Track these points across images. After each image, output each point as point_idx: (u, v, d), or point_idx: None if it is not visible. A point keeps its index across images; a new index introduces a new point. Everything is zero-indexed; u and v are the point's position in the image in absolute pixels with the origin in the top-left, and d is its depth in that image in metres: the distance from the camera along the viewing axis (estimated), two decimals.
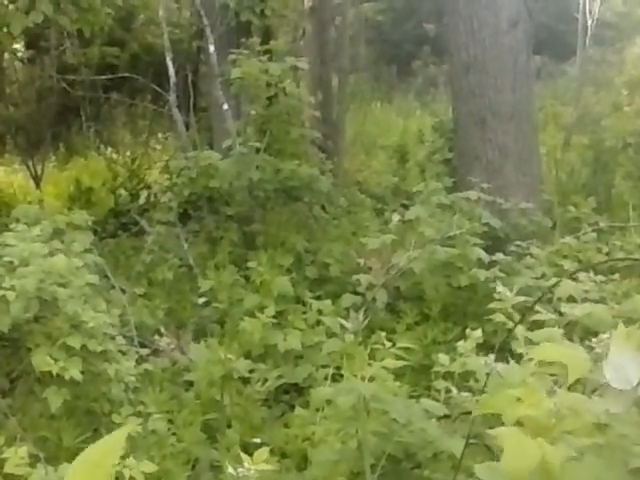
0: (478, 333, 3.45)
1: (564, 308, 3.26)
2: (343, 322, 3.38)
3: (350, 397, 2.89)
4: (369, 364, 3.07)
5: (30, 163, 10.45)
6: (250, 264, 6.27)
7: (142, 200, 9.76)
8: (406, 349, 4.60)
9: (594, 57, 16.64)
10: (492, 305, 3.50)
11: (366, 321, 3.39)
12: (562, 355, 1.48)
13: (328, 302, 5.72)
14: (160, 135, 12.85)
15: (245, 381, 4.74)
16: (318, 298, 5.96)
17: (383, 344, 3.31)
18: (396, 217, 6.44)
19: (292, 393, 5.30)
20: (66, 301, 3.74)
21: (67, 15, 7.55)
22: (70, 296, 3.78)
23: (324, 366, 4.87)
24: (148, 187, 10.02)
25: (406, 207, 7.08)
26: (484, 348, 3.66)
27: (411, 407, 3.05)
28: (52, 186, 10.77)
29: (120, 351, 4.22)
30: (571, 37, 14.98)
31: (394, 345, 3.35)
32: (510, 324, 2.79)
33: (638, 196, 7.84)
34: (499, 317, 3.33)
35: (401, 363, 3.25)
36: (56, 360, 3.64)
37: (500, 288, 3.45)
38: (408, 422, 3.02)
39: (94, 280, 4.31)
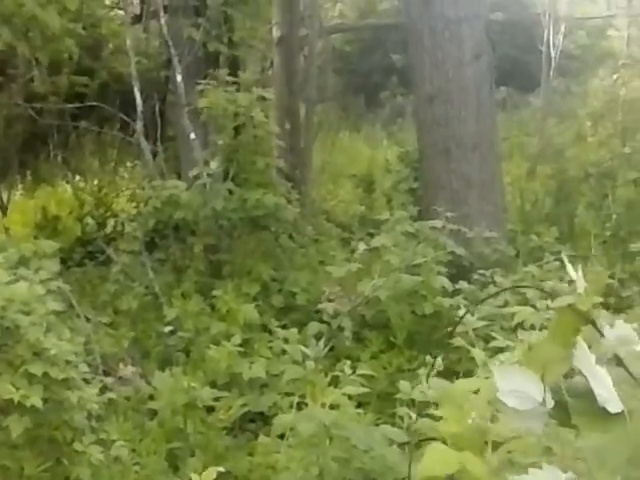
0: (439, 361, 3.50)
1: (521, 335, 3.32)
2: (304, 349, 3.41)
3: (311, 424, 2.91)
4: (330, 391, 3.10)
5: None
6: (216, 292, 6.29)
7: (109, 229, 9.76)
8: (371, 377, 4.61)
9: (559, 88, 16.91)
10: (451, 328, 3.54)
11: (327, 348, 3.42)
12: (477, 386, 1.53)
13: (294, 330, 5.73)
14: (128, 164, 12.83)
15: (210, 410, 4.74)
16: (284, 327, 5.97)
17: (343, 371, 3.34)
18: (362, 246, 6.49)
19: (258, 422, 5.30)
20: (28, 328, 3.73)
21: (31, 43, 7.60)
22: (32, 323, 3.78)
23: (289, 394, 4.88)
24: (115, 216, 10.01)
25: (373, 236, 7.13)
26: (448, 375, 3.70)
27: (372, 434, 3.08)
28: (19, 214, 10.70)
29: (84, 379, 4.21)
30: (536, 69, 15.22)
31: (354, 372, 3.38)
32: (471, 349, 2.84)
33: (600, 225, 7.96)
34: (459, 341, 3.38)
35: (361, 390, 3.29)
36: (17, 388, 3.63)
37: (461, 311, 3.50)
38: (369, 448, 3.04)
39: (58, 308, 4.31)
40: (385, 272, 6.05)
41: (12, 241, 6.02)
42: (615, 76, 13.73)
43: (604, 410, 1.49)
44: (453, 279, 6.10)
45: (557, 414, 1.52)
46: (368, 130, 16.58)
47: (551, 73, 14.37)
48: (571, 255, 6.89)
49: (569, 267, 1.50)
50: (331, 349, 6.06)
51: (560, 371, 1.53)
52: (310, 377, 3.32)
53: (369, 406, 4.95)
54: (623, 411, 1.48)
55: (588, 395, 1.51)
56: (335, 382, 3.76)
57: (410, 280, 5.86)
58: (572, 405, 1.51)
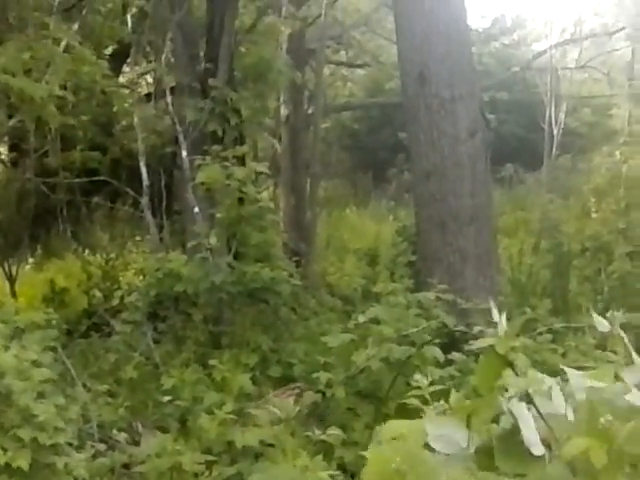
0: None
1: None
2: (275, 410, 3.52)
3: None
4: (298, 453, 3.20)
5: (6, 264, 10.60)
6: (212, 362, 6.40)
7: (115, 301, 9.93)
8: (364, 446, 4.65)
9: (564, 165, 17.16)
10: (410, 393, 3.63)
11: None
12: (403, 428, 1.66)
13: (290, 400, 5.83)
14: (138, 237, 13.05)
15: (197, 475, 4.82)
16: None
17: (313, 432, 3.44)
18: (361, 318, 6.60)
19: None
20: (20, 394, 3.86)
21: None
22: (24, 390, 3.90)
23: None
24: (121, 288, 10.19)
25: None
26: None
27: None
28: (27, 287, 10.88)
29: (76, 445, 4.31)
30: (541, 146, 15.50)
31: (324, 432, 3.48)
32: (425, 409, 2.94)
33: (593, 299, 8.05)
34: (414, 402, 3.47)
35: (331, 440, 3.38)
36: (6, 450, 3.74)
37: (417, 376, 3.60)
38: None
39: (53, 376, 4.44)
40: (379, 342, 6.15)
41: (15, 312, 6.15)
42: (617, 153, 13.96)
43: (527, 452, 1.61)
44: (447, 350, 6.18)
45: (479, 457, 1.64)
46: (376, 205, 16.83)
47: (554, 150, 14.64)
48: (564, 327, 6.98)
49: (494, 312, 1.64)
50: (325, 419, 6.16)
51: (486, 415, 1.65)
52: (280, 438, 3.42)
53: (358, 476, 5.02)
54: (544, 454, 1.60)
55: (513, 437, 1.63)
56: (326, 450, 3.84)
57: (401, 350, 5.96)
58: (497, 447, 1.63)
